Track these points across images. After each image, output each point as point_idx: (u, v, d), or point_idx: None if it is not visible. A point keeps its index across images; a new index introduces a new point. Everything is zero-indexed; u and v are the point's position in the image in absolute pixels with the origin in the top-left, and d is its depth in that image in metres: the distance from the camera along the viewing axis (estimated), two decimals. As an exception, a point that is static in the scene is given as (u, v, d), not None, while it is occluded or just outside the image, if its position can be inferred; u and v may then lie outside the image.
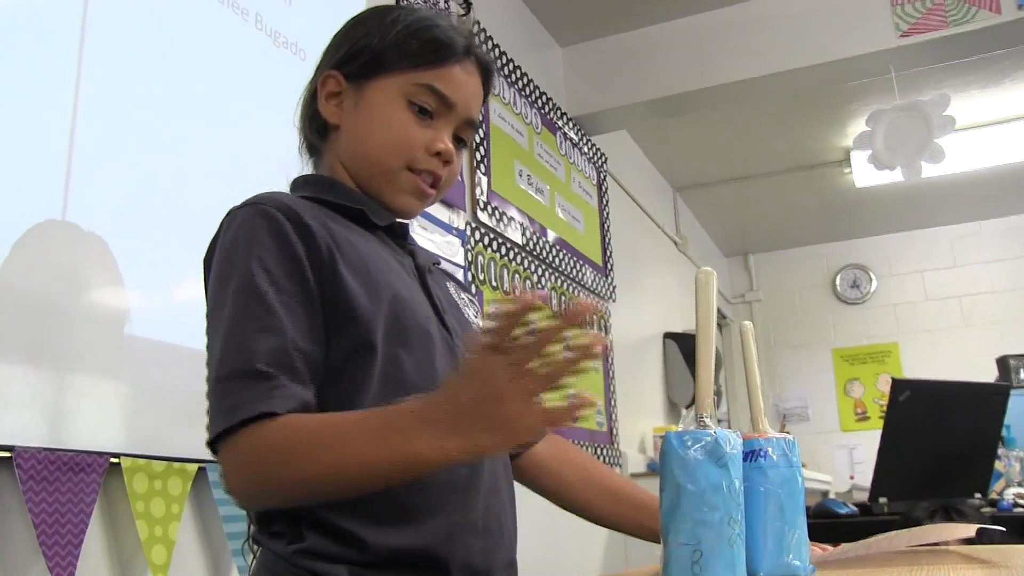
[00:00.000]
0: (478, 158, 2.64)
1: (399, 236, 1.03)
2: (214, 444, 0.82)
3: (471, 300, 1.14)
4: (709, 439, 0.68)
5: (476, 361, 0.72)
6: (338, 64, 1.01)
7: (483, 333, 0.72)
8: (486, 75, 1.04)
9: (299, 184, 1.03)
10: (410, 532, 0.85)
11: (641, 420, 3.92)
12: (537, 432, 0.69)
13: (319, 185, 1.00)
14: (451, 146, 0.98)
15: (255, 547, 0.91)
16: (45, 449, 1.20)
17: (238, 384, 0.80)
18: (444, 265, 1.24)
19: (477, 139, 2.65)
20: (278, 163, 1.74)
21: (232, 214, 0.90)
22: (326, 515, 0.84)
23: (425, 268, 1.02)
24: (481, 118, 2.68)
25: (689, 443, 0.68)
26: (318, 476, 0.78)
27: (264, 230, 0.86)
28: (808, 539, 0.81)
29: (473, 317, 1.09)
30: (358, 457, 0.76)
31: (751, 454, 0.78)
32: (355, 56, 0.99)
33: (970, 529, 0.99)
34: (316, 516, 0.84)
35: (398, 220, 1.03)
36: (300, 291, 0.86)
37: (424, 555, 0.85)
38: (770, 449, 0.78)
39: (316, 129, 1.03)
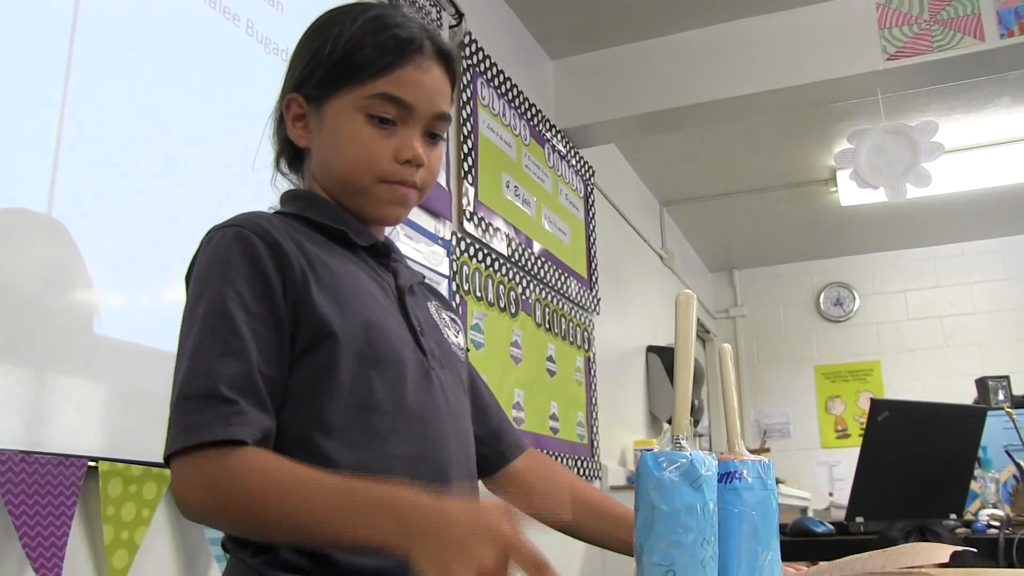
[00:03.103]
0: (465, 168, 2.65)
1: (382, 255, 1.03)
2: (170, 458, 0.83)
3: (453, 319, 1.13)
4: (684, 461, 0.69)
5: (483, 513, 0.71)
6: (296, 86, 1.00)
7: (510, 515, 0.71)
8: (447, 62, 1.00)
9: (286, 199, 1.03)
10: (375, 557, 0.85)
11: (622, 433, 3.93)
12: None
13: (304, 201, 1.01)
14: (419, 150, 0.97)
15: (225, 553, 0.92)
16: (22, 452, 1.20)
17: (201, 405, 0.81)
18: (429, 276, 1.24)
19: (465, 149, 2.66)
20: (266, 169, 1.74)
21: (210, 235, 0.92)
22: None
23: (406, 288, 1.02)
24: (469, 106, 2.69)
25: (664, 464, 0.69)
26: (276, 524, 0.79)
27: (239, 254, 0.88)
28: (781, 560, 0.82)
29: (454, 337, 1.09)
30: (322, 524, 0.77)
31: (726, 476, 0.78)
32: (309, 76, 0.98)
33: (944, 552, 1.00)
34: None
35: (381, 242, 1.03)
36: (270, 316, 0.87)
37: (380, 573, 0.86)
38: (745, 471, 0.79)
39: (289, 152, 1.05)
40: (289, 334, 0.89)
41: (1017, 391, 4.48)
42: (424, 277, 1.14)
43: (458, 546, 0.69)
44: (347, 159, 0.97)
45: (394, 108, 0.95)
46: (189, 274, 0.94)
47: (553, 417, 3.10)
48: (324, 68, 0.97)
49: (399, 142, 0.96)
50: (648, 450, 0.72)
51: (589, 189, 3.81)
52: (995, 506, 2.43)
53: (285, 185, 1.07)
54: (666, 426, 0.73)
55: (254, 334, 0.85)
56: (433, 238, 2.40)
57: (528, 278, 3.04)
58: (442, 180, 2.51)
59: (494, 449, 1.16)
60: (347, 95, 0.96)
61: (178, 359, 0.87)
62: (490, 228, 2.76)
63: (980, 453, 2.50)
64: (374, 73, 0.95)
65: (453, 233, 2.53)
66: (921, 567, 1.04)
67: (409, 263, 1.13)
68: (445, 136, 1.03)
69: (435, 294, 1.17)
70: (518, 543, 0.69)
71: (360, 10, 0.99)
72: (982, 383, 4.49)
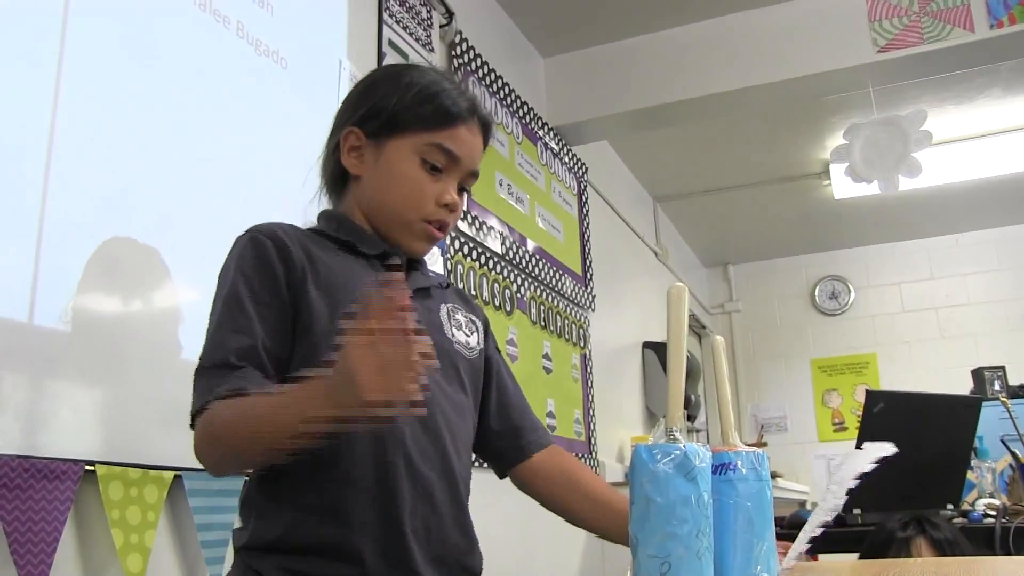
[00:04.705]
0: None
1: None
2: (194, 421, 0.97)
3: (472, 320, 1.24)
4: (678, 453, 0.69)
5: (347, 353, 0.81)
6: (359, 121, 1.14)
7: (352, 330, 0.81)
8: (486, 132, 1.19)
9: (320, 218, 1.19)
10: (331, 527, 0.99)
11: (619, 429, 3.93)
12: (387, 403, 0.81)
13: (326, 220, 1.18)
14: (456, 197, 1.13)
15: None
16: (19, 456, 1.20)
17: (216, 372, 0.97)
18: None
19: (458, 148, 2.66)
20: (258, 169, 1.75)
21: (237, 240, 1.08)
22: (269, 504, 1.02)
23: (410, 291, 1.11)
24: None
25: (659, 456, 0.69)
26: (248, 441, 0.94)
27: (252, 253, 1.04)
28: (776, 550, 0.82)
29: (464, 337, 1.20)
30: (277, 426, 0.91)
31: (721, 467, 0.79)
32: (375, 116, 1.13)
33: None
34: (263, 506, 1.02)
35: (392, 249, 1.15)
36: (275, 302, 1.03)
37: (339, 546, 0.99)
38: (739, 462, 0.79)
39: (337, 177, 1.18)
40: (291, 320, 1.03)
41: (1013, 381, 4.50)
42: (447, 283, 1.26)
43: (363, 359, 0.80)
44: (399, 194, 1.12)
45: (444, 158, 1.12)
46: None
47: (550, 415, 3.10)
48: (390, 113, 1.12)
49: (442, 188, 1.12)
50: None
51: (582, 186, 3.81)
52: (992, 496, 2.43)
53: (320, 205, 1.21)
54: (660, 420, 0.74)
55: (260, 316, 1.01)
56: (427, 237, 2.40)
57: (523, 276, 3.04)
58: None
59: (513, 444, 1.26)
60: (407, 139, 1.11)
61: (204, 339, 1.02)
62: (484, 226, 2.76)
63: (976, 443, 2.51)
64: (435, 126, 1.11)
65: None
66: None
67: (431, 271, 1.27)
68: (469, 188, 1.19)
69: (460, 297, 1.29)
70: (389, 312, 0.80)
71: (428, 69, 1.18)
72: (978, 374, 4.50)
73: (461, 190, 1.16)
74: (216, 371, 0.97)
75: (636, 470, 0.70)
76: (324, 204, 1.21)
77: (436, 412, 1.09)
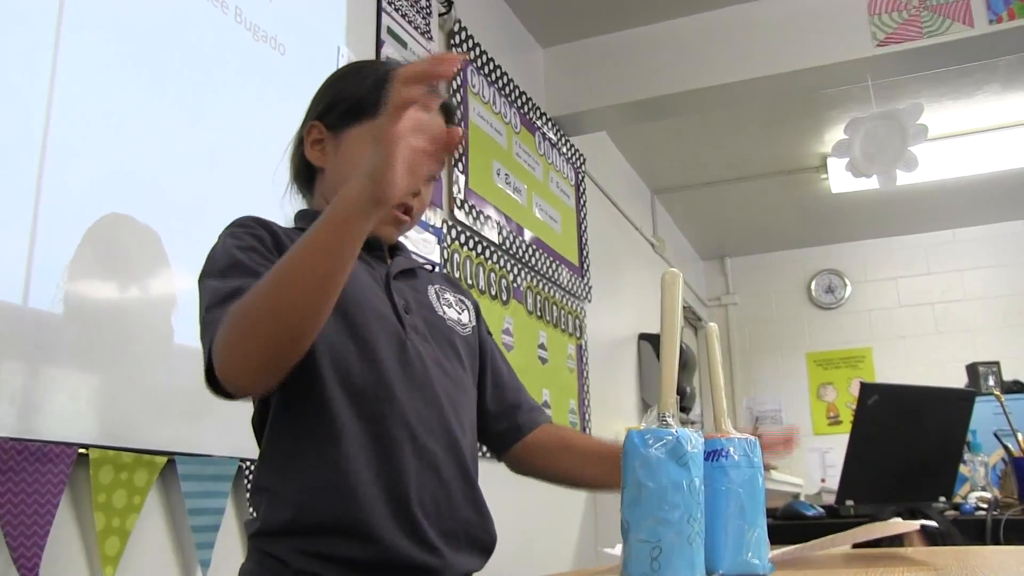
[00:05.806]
0: (456, 156, 2.64)
1: (375, 249, 1.17)
2: (210, 368, 0.93)
3: (461, 299, 1.27)
4: (670, 438, 0.69)
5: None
6: (320, 115, 1.16)
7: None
8: (448, 114, 1.18)
9: (296, 217, 1.20)
10: (339, 504, 0.99)
11: (615, 420, 3.94)
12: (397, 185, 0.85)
13: (301, 218, 1.20)
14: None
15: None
16: (12, 439, 1.20)
17: (221, 306, 0.94)
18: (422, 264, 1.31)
19: (456, 137, 2.65)
20: (254, 154, 1.74)
21: (220, 234, 1.08)
22: (277, 487, 1.01)
23: (394, 274, 1.16)
24: (459, 94, 2.68)
25: (651, 441, 0.69)
26: (282, 292, 0.88)
27: (241, 229, 1.06)
28: (768, 538, 0.82)
29: (455, 315, 1.21)
30: (310, 251, 0.88)
31: (713, 454, 0.79)
32: (334, 107, 1.15)
33: (911, 526, 1.02)
34: (272, 491, 1.02)
35: (373, 237, 1.14)
36: (267, 253, 1.03)
37: (350, 524, 0.98)
38: (732, 449, 0.79)
39: (304, 172, 1.19)
40: None
41: (1007, 376, 4.51)
42: (424, 265, 1.26)
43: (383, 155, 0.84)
44: None
45: None
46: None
47: (545, 404, 3.10)
48: (348, 103, 1.14)
49: None
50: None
51: (580, 177, 3.81)
52: (984, 489, 2.44)
53: (297, 202, 1.23)
54: (655, 405, 0.74)
55: (255, 262, 1.00)
56: (424, 226, 2.40)
57: (519, 266, 3.04)
58: (432, 168, 2.51)
59: (510, 424, 1.27)
60: (363, 126, 1.12)
61: (200, 306, 0.99)
62: (481, 216, 2.75)
63: (970, 437, 2.51)
64: None
65: (444, 221, 2.53)
66: (909, 542, 1.05)
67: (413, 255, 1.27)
68: (438, 177, 1.17)
69: (446, 280, 1.30)
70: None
71: (384, 62, 1.22)
72: (973, 369, 4.51)
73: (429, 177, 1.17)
74: (222, 303, 0.94)
75: (628, 455, 0.70)
76: (297, 199, 1.24)
77: (436, 386, 1.09)
